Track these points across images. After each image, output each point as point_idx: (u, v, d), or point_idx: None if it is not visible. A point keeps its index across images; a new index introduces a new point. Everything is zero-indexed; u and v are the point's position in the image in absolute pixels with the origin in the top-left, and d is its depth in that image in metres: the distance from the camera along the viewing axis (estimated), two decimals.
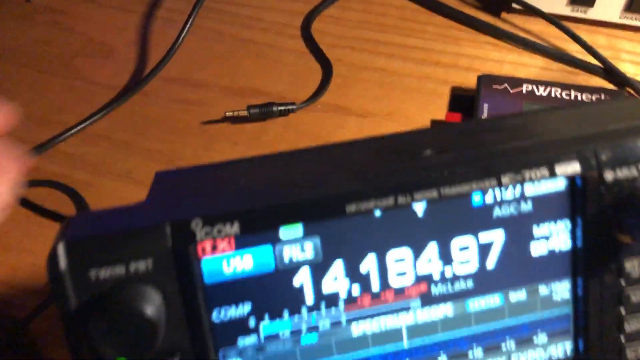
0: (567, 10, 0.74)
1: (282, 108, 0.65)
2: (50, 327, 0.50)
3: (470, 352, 0.30)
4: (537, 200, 0.28)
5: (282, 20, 0.78)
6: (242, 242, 0.26)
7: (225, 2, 0.79)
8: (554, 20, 0.72)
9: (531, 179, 0.27)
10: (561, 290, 0.30)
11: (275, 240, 0.26)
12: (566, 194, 0.28)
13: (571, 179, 0.28)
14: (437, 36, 0.76)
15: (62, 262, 0.24)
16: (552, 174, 0.27)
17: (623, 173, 0.28)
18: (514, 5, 0.75)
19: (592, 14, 0.73)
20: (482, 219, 0.28)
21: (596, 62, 0.70)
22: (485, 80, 0.66)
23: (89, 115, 0.65)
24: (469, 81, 0.69)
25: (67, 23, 0.76)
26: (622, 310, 0.29)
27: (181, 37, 0.70)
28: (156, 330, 0.24)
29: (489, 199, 0.28)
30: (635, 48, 0.72)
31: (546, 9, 0.74)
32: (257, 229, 0.26)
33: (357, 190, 0.26)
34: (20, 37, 0.74)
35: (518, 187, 0.28)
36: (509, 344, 0.30)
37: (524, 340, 0.30)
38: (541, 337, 0.30)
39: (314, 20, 0.77)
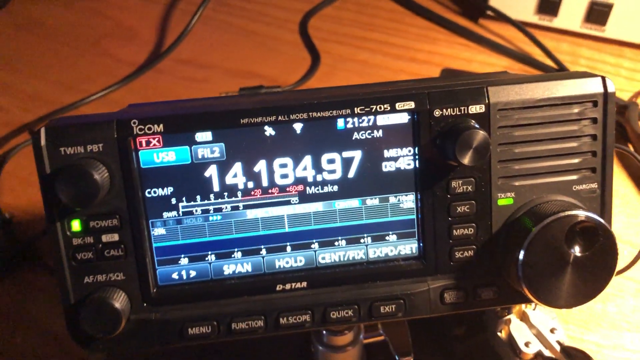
0: (534, 19, 0.83)
1: (269, 90, 0.76)
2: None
3: (336, 242, 0.40)
4: (387, 129, 0.38)
5: (284, 16, 0.90)
6: (167, 141, 0.37)
7: None
8: (520, 26, 0.82)
9: (377, 111, 0.37)
10: (407, 200, 0.40)
11: (192, 142, 0.38)
12: (409, 126, 0.38)
13: (411, 114, 0.38)
14: (417, 36, 0.86)
15: (42, 140, 0.36)
16: (393, 108, 0.38)
17: (447, 111, 0.38)
18: (488, 12, 0.85)
19: (557, 22, 0.83)
20: (344, 140, 0.38)
21: (553, 64, 0.79)
22: (447, 73, 0.76)
23: (109, 85, 0.79)
24: (437, 75, 0.79)
25: (100, 9, 0.90)
26: (449, 219, 0.39)
27: (191, 24, 0.82)
28: (99, 189, 0.35)
29: (349, 125, 0.38)
30: (593, 55, 0.81)
31: (516, 16, 0.83)
32: (177, 131, 0.37)
33: (250, 108, 0.37)
34: (60, 19, 0.89)
35: (371, 117, 0.38)
36: (367, 239, 0.40)
37: (378, 237, 0.40)
38: (392, 237, 0.40)
39: (312, 18, 0.89)
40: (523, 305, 0.49)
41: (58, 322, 0.58)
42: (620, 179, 0.67)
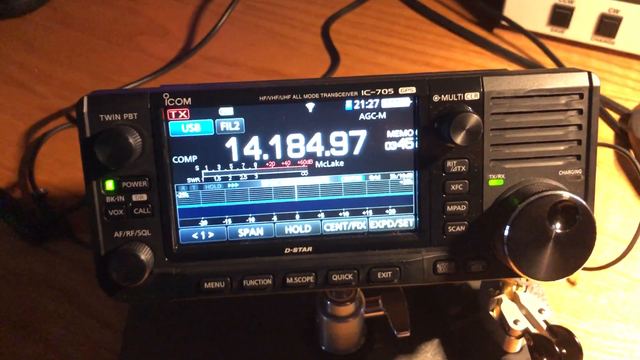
0: (547, 30, 0.87)
1: None
2: (83, 219, 0.67)
3: (340, 213, 0.44)
4: (390, 111, 0.43)
5: (308, 20, 0.94)
6: (194, 114, 0.42)
7: (266, 2, 0.97)
8: (532, 36, 0.85)
9: (382, 95, 0.42)
10: (406, 178, 0.44)
11: (215, 116, 0.42)
12: (410, 109, 0.43)
13: (413, 99, 0.42)
14: (433, 43, 0.90)
15: (85, 107, 0.41)
16: (396, 92, 0.42)
17: (445, 97, 0.42)
18: (503, 22, 0.89)
19: (568, 34, 0.86)
20: (351, 120, 0.43)
21: None
22: None
23: (141, 78, 0.84)
24: None
25: (137, 8, 0.96)
26: (444, 196, 0.43)
27: (219, 24, 0.88)
28: (132, 151, 0.40)
29: (356, 106, 0.43)
30: (602, 66, 0.84)
31: (529, 27, 0.87)
32: (202, 105, 0.42)
33: (267, 87, 0.42)
34: (99, 16, 0.95)
35: (377, 100, 0.42)
36: (368, 212, 0.44)
37: (379, 210, 0.44)
38: (391, 210, 0.44)
39: (334, 22, 0.94)
40: (514, 287, 0.52)
41: (83, 289, 0.63)
42: (619, 182, 0.70)
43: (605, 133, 0.75)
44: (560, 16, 0.84)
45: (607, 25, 0.82)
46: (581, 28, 0.85)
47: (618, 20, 0.81)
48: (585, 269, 0.60)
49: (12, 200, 0.70)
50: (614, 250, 0.64)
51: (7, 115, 0.81)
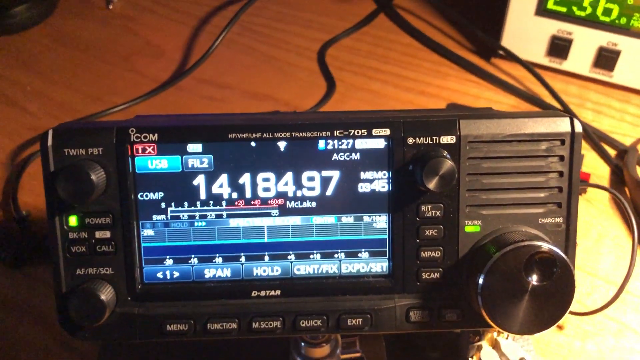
0: (545, 61, 0.86)
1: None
2: None
3: (311, 255, 0.43)
4: (364, 152, 0.41)
5: (304, 44, 0.94)
6: (161, 150, 0.41)
7: (262, 24, 0.96)
8: (529, 67, 0.84)
9: (355, 135, 0.40)
10: (380, 221, 0.42)
11: (183, 152, 0.41)
12: (385, 151, 0.41)
13: (387, 140, 0.41)
14: (429, 71, 0.89)
15: (50, 141, 0.40)
16: (370, 133, 0.41)
17: (420, 140, 0.40)
18: (500, 52, 0.88)
19: (566, 65, 0.85)
20: (324, 160, 0.41)
21: (559, 106, 0.81)
22: (452, 107, 0.79)
23: (133, 99, 0.83)
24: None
25: (133, 28, 0.96)
26: (418, 241, 0.41)
27: (214, 46, 0.87)
28: (94, 188, 0.39)
29: (329, 146, 0.41)
30: (600, 99, 0.83)
31: (527, 57, 0.86)
32: (170, 141, 0.41)
33: (237, 124, 0.40)
34: (96, 34, 0.95)
35: (350, 140, 0.41)
36: (340, 254, 0.43)
37: (351, 253, 0.43)
38: (364, 254, 0.43)
39: (330, 47, 0.93)
40: (495, 334, 0.50)
41: None
42: (613, 221, 0.68)
43: (600, 169, 0.73)
44: (559, 47, 0.82)
45: (606, 58, 0.80)
46: (580, 60, 0.83)
47: (616, 53, 0.79)
48: (573, 313, 0.58)
49: None
50: (604, 294, 0.62)
51: None
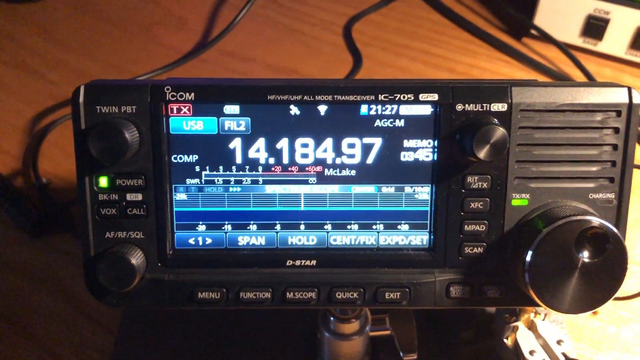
0: (579, 41, 0.83)
1: None
2: None
3: (348, 225, 0.41)
4: (409, 119, 0.39)
5: (330, 19, 0.91)
6: (197, 110, 0.39)
7: None
8: (563, 47, 0.82)
9: (400, 100, 0.38)
10: (422, 192, 0.40)
11: (220, 114, 0.39)
12: (431, 118, 0.39)
13: (434, 106, 0.39)
14: (458, 49, 0.87)
15: (81, 97, 0.38)
16: (417, 99, 0.39)
17: (470, 106, 0.38)
18: (532, 31, 0.85)
19: (601, 47, 0.82)
20: (366, 126, 0.39)
21: None
22: None
23: (155, 69, 0.82)
24: None
25: None
26: (462, 214, 0.40)
27: (238, 18, 0.85)
28: (127, 147, 0.37)
29: (372, 112, 0.39)
30: (636, 82, 0.80)
31: (560, 37, 0.83)
32: (206, 101, 0.39)
33: (277, 85, 0.39)
34: (117, 4, 0.93)
35: (395, 106, 0.39)
36: (379, 226, 0.41)
37: (391, 225, 0.41)
38: (404, 226, 0.41)
39: (356, 22, 0.90)
40: (532, 315, 0.48)
41: (79, 286, 0.60)
42: None
43: (637, 154, 0.71)
44: (595, 28, 0.80)
45: None
46: (616, 41, 0.80)
47: None
48: None
49: (12, 189, 0.67)
50: (628, 268, 0.60)
51: (15, 100, 0.79)
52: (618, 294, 0.57)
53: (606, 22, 0.79)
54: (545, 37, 0.83)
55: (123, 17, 0.91)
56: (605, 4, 0.78)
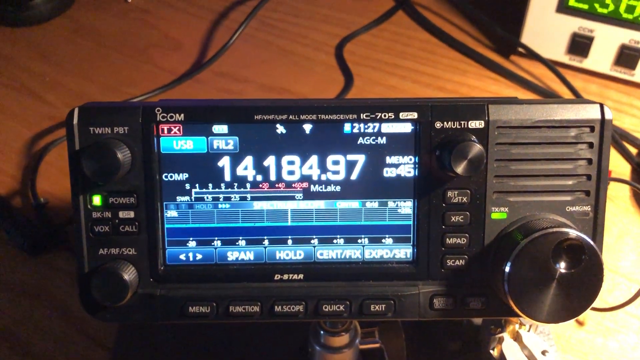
0: (565, 59, 0.85)
1: None
2: None
3: (335, 240, 0.42)
4: (390, 137, 0.41)
5: (322, 39, 0.93)
6: (187, 130, 0.41)
7: (279, 19, 0.96)
8: (550, 65, 0.83)
9: (382, 119, 0.40)
10: (405, 206, 0.42)
11: (209, 133, 0.41)
12: (412, 135, 0.41)
13: (414, 124, 0.41)
14: (448, 67, 0.89)
15: (75, 119, 0.40)
16: (397, 117, 0.40)
17: (447, 124, 0.40)
18: (520, 49, 0.87)
19: (587, 64, 0.84)
20: (350, 144, 0.41)
21: None
22: None
23: (151, 90, 0.83)
24: None
25: (150, 21, 0.96)
26: (444, 227, 0.41)
27: (232, 40, 0.87)
28: (119, 166, 0.38)
29: (355, 130, 0.41)
30: (621, 98, 0.82)
31: (547, 55, 0.85)
32: (196, 121, 0.40)
33: (263, 106, 0.40)
34: (113, 27, 0.95)
35: (376, 124, 0.41)
36: (364, 240, 0.42)
37: (375, 239, 0.42)
38: (388, 240, 0.42)
39: (348, 43, 0.92)
40: (517, 326, 0.50)
41: (77, 304, 0.61)
42: (634, 218, 0.67)
43: (621, 167, 0.73)
44: (580, 45, 0.82)
45: (628, 56, 0.80)
46: (601, 58, 0.82)
47: (639, 51, 0.79)
48: (595, 309, 0.58)
49: (11, 208, 0.69)
50: (626, 291, 0.61)
51: (14, 123, 0.81)
52: (604, 305, 0.58)
53: (591, 39, 0.81)
54: (532, 55, 0.85)
55: (120, 40, 0.93)
56: (589, 23, 0.80)
